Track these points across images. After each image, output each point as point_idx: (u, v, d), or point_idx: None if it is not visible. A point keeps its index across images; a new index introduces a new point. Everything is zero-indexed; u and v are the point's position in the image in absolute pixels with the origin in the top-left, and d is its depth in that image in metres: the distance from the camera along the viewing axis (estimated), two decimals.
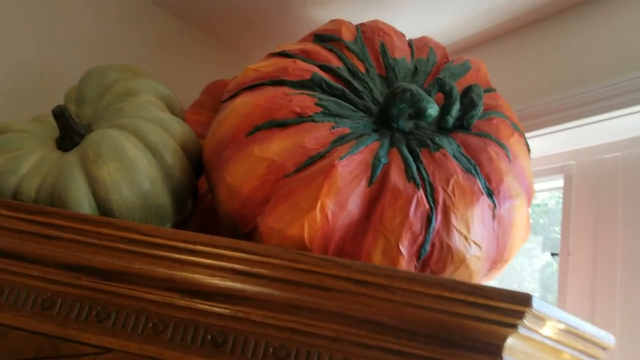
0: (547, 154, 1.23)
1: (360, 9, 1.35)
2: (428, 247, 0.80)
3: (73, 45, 1.35)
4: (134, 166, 0.88)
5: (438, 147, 0.87)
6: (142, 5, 1.46)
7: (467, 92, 0.91)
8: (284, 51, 0.98)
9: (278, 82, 0.92)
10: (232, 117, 0.89)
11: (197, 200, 1.02)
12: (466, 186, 0.84)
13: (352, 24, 1.05)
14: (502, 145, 0.92)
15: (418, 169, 0.84)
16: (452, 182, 0.83)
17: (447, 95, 0.89)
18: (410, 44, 1.06)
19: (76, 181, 0.87)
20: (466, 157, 0.88)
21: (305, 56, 0.97)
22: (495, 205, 0.87)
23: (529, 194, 0.98)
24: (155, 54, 1.48)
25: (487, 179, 0.87)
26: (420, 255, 0.80)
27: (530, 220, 0.97)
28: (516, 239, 0.91)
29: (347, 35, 1.01)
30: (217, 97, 1.31)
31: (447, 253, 0.81)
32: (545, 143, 1.19)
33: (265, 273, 0.73)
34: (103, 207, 0.87)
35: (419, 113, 0.86)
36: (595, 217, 1.10)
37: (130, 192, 0.88)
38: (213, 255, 0.76)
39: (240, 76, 0.96)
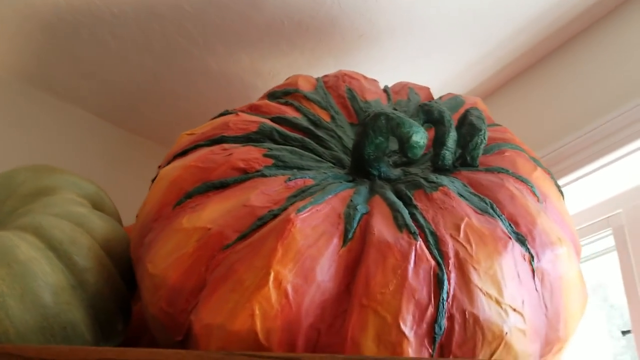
0: (584, 207, 0.98)
1: None
2: (444, 322, 0.54)
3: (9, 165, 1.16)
4: (27, 272, 0.64)
5: (436, 185, 0.63)
6: (86, 120, 1.29)
7: (463, 118, 0.69)
8: (226, 110, 0.78)
9: (216, 141, 0.70)
10: (156, 190, 0.67)
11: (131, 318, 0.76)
12: (485, 230, 0.59)
13: (312, 76, 0.86)
14: (524, 181, 0.68)
15: (412, 215, 0.60)
16: (463, 226, 0.59)
17: (438, 122, 0.67)
18: (385, 89, 0.86)
19: None
20: (478, 196, 0.64)
21: (252, 110, 0.76)
22: (532, 256, 0.61)
23: (576, 247, 0.72)
24: (106, 169, 1.28)
25: (513, 222, 0.62)
26: (434, 335, 0.53)
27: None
28: (571, 305, 0.64)
29: (304, 86, 0.81)
30: None
31: (475, 327, 0.54)
32: (579, 192, 0.95)
33: None
34: None
35: (402, 144, 0.63)
36: None
37: (22, 308, 0.62)
38: None
39: (175, 145, 0.75)
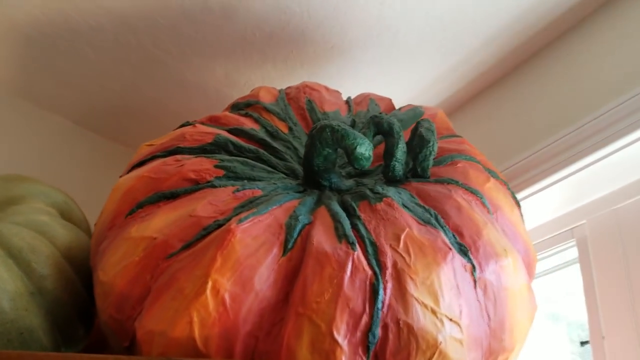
0: (550, 218, 0.98)
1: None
2: (378, 332, 0.55)
3: None
4: None
5: (380, 196, 0.64)
6: (66, 128, 1.31)
7: (414, 130, 0.70)
8: (187, 122, 0.79)
9: (172, 152, 0.72)
10: (112, 200, 0.69)
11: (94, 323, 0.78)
12: (425, 241, 0.60)
13: (275, 88, 0.88)
14: (474, 192, 0.69)
15: (354, 225, 0.61)
16: (403, 237, 0.60)
17: (387, 134, 0.69)
18: (347, 100, 0.87)
19: None
20: (423, 207, 0.65)
21: (211, 122, 0.78)
22: (474, 267, 0.62)
23: (528, 258, 0.73)
24: (85, 176, 1.30)
25: (457, 233, 0.64)
26: (368, 344, 0.54)
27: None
28: (516, 315, 0.65)
29: (265, 98, 0.83)
30: None
31: (409, 337, 0.55)
32: (545, 203, 0.95)
33: None
34: None
35: (347, 156, 0.64)
36: (628, 285, 0.83)
37: None
38: None
39: (135, 155, 0.77)
